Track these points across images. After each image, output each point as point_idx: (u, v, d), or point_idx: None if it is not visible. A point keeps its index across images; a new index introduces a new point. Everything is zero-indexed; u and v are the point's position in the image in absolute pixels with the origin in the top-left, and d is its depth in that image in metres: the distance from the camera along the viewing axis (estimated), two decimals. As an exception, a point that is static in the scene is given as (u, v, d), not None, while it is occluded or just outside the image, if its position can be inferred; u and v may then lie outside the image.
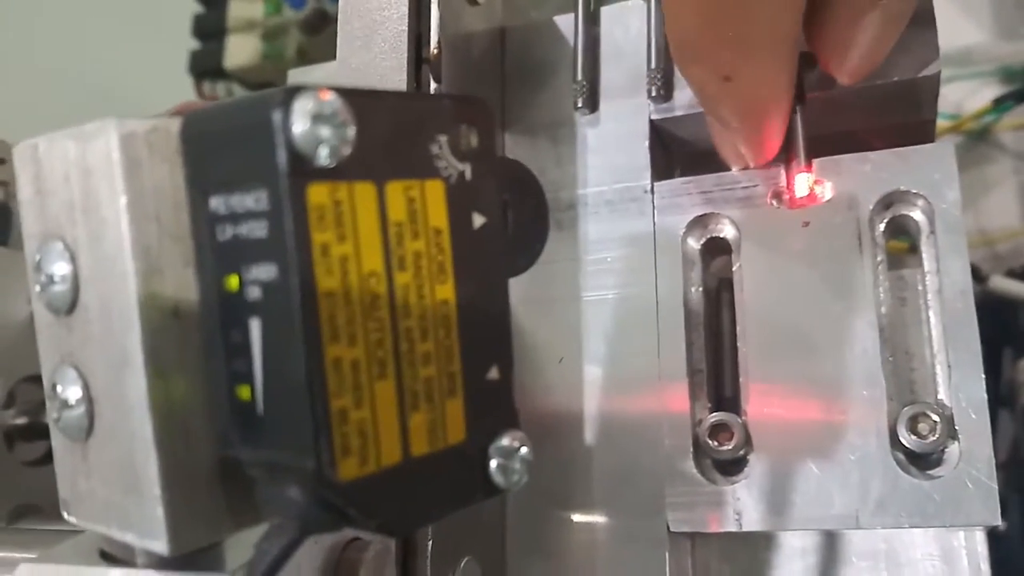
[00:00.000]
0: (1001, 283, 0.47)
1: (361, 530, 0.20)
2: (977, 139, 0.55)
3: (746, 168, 0.32)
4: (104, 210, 0.19)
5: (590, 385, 0.33)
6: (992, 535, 0.47)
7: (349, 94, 0.18)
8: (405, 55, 0.30)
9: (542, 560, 0.32)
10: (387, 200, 0.19)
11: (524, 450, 0.21)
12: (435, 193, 0.20)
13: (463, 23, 0.33)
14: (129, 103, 0.61)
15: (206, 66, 0.66)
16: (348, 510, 0.18)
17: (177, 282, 0.19)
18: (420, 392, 0.20)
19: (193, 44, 0.67)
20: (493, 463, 0.21)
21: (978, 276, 0.47)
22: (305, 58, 0.63)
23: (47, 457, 0.30)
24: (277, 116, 0.17)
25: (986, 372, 0.51)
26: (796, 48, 0.27)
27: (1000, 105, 0.51)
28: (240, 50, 0.65)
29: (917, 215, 0.30)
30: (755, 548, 0.34)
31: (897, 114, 0.33)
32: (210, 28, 0.67)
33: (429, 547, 0.28)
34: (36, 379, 0.36)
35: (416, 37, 0.31)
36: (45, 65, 0.78)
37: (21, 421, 0.38)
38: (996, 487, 0.28)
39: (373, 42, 0.31)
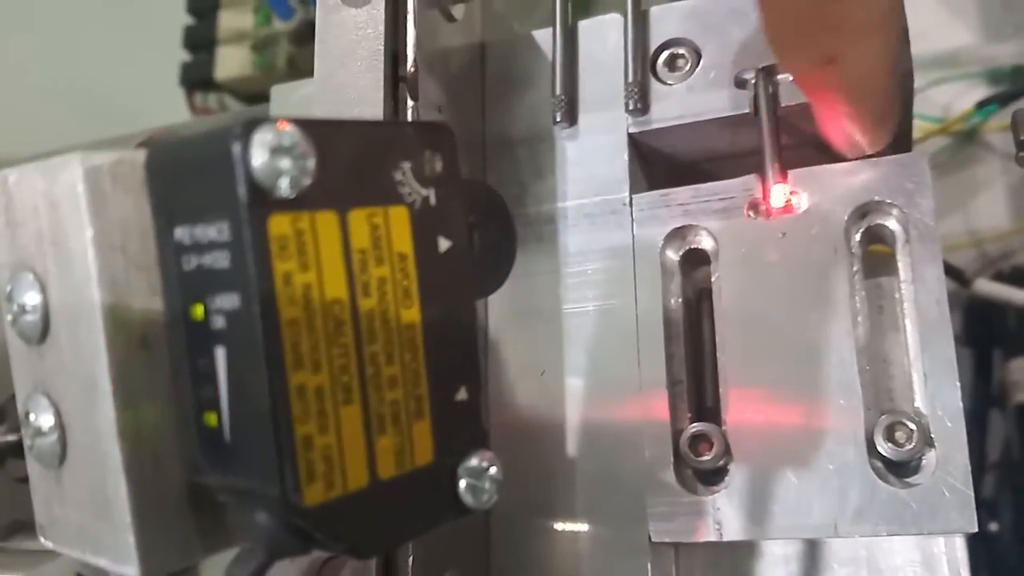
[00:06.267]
0: (985, 286, 0.47)
1: (330, 552, 0.21)
2: (965, 141, 0.55)
3: (862, 157, 0.31)
4: (71, 242, 0.19)
5: (571, 397, 0.33)
6: (984, 535, 0.47)
7: (308, 125, 0.18)
8: (382, 73, 0.31)
9: (525, 571, 0.32)
10: (350, 228, 0.19)
11: (493, 470, 0.22)
12: (399, 219, 0.20)
13: (440, 40, 0.33)
14: (121, 115, 0.61)
15: (197, 77, 0.67)
16: (315, 534, 0.19)
17: (144, 311, 0.19)
18: (387, 415, 0.20)
19: (184, 56, 0.68)
20: (462, 483, 0.21)
21: (962, 279, 0.47)
22: (295, 68, 0.63)
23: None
24: (236, 149, 0.17)
25: (977, 373, 0.51)
26: (899, 19, 0.27)
27: (983, 108, 0.51)
28: (231, 61, 0.65)
29: (892, 224, 0.30)
30: (738, 556, 0.34)
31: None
32: (201, 40, 0.67)
33: (410, 562, 0.28)
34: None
35: (393, 55, 0.31)
36: (36, 77, 0.79)
37: (12, 438, 0.38)
38: (972, 494, 0.28)
39: (350, 60, 0.31)
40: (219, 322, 0.18)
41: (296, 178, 0.18)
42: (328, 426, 0.19)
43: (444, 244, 0.21)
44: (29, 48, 0.81)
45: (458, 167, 0.21)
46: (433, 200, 0.21)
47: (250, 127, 0.17)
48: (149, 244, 0.20)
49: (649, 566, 0.31)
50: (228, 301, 0.18)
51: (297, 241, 0.18)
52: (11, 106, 0.75)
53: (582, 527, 0.32)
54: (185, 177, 0.19)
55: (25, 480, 0.38)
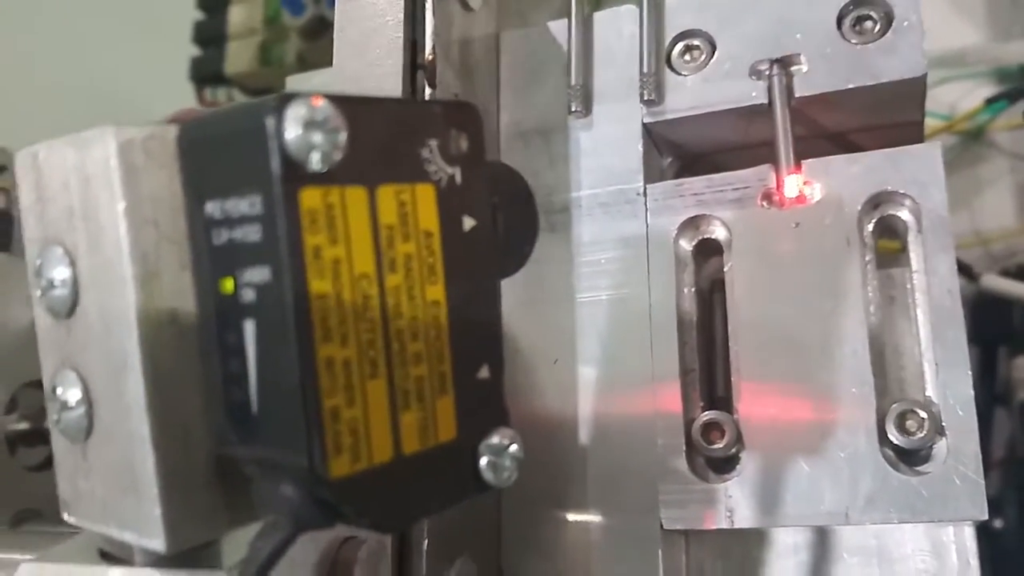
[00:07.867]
0: (992, 281, 0.47)
1: (353, 526, 0.21)
2: (971, 139, 0.55)
3: None
4: (102, 216, 0.19)
5: (584, 386, 0.33)
6: (989, 531, 0.47)
7: (341, 101, 0.18)
8: (400, 61, 0.31)
9: (537, 559, 0.33)
10: (378, 204, 0.19)
11: (514, 448, 0.22)
12: (426, 197, 0.20)
13: (457, 29, 0.33)
14: (131, 110, 0.61)
15: (207, 72, 0.67)
16: (340, 507, 0.19)
17: (174, 285, 0.20)
18: (411, 391, 0.20)
19: (194, 51, 0.68)
20: (483, 460, 0.21)
21: (970, 275, 0.47)
22: (305, 64, 0.64)
23: (49, 462, 0.30)
24: (270, 123, 0.18)
25: (983, 370, 0.52)
26: None
27: (992, 105, 0.51)
28: (240, 56, 0.65)
29: (905, 215, 0.31)
30: (748, 545, 0.34)
31: (885, 115, 0.33)
32: (210, 35, 0.67)
33: (424, 546, 0.28)
34: (38, 384, 0.36)
35: (411, 43, 0.31)
36: (47, 73, 0.79)
37: (23, 426, 0.38)
38: (983, 482, 0.28)
39: (368, 49, 0.31)
40: (249, 295, 0.19)
41: (328, 152, 0.18)
42: (355, 399, 0.19)
43: (468, 223, 0.21)
44: (38, 43, 0.81)
45: (483, 146, 0.21)
46: (459, 179, 0.21)
47: (284, 101, 0.18)
48: (180, 219, 0.20)
49: (660, 555, 0.31)
50: (258, 274, 0.18)
51: (327, 215, 0.18)
52: (20, 101, 0.75)
53: (593, 516, 0.32)
54: (217, 151, 0.19)
55: (35, 468, 0.39)
